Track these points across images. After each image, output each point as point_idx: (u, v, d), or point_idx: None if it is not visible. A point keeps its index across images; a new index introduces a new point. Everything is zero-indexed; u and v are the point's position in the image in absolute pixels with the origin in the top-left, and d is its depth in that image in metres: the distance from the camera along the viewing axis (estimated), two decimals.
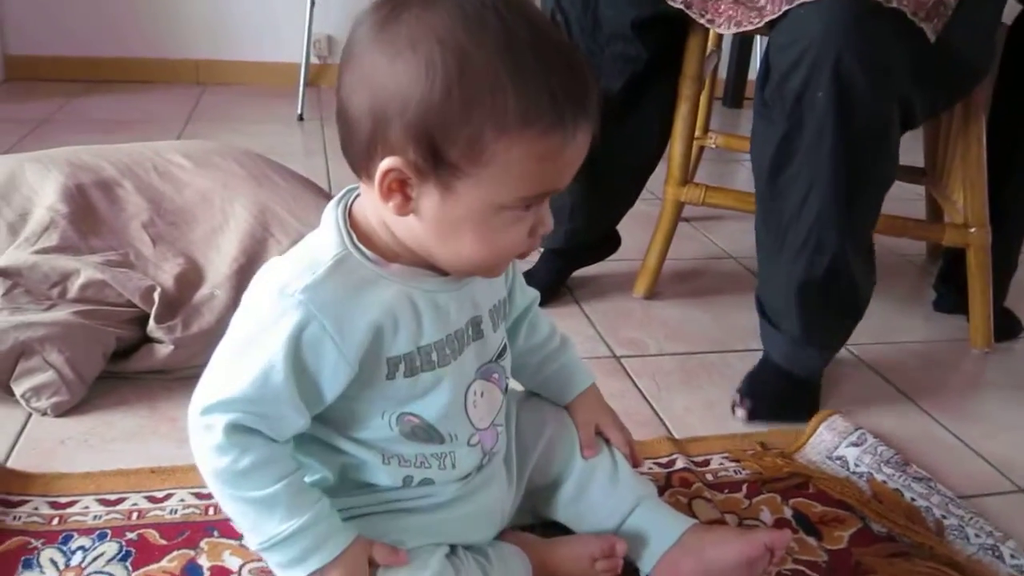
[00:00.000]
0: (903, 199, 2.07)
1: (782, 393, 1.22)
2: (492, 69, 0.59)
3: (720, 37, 1.76)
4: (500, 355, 0.80)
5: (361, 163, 0.66)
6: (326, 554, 0.68)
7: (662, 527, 0.86)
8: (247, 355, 0.66)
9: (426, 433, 0.74)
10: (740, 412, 1.19)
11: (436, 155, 0.61)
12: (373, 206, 0.69)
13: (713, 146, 1.94)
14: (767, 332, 1.26)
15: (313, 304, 0.65)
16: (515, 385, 0.94)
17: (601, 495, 0.88)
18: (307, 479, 0.74)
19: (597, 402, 0.93)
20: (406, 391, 0.72)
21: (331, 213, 0.71)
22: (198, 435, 0.68)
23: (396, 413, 0.72)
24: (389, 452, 0.74)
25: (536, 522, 0.91)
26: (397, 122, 0.61)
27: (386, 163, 0.62)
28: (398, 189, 0.64)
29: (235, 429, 0.66)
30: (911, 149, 2.03)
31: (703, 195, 1.46)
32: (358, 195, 0.72)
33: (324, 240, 0.70)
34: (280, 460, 0.69)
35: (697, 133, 1.82)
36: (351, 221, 0.70)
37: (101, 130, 2.36)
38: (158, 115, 2.61)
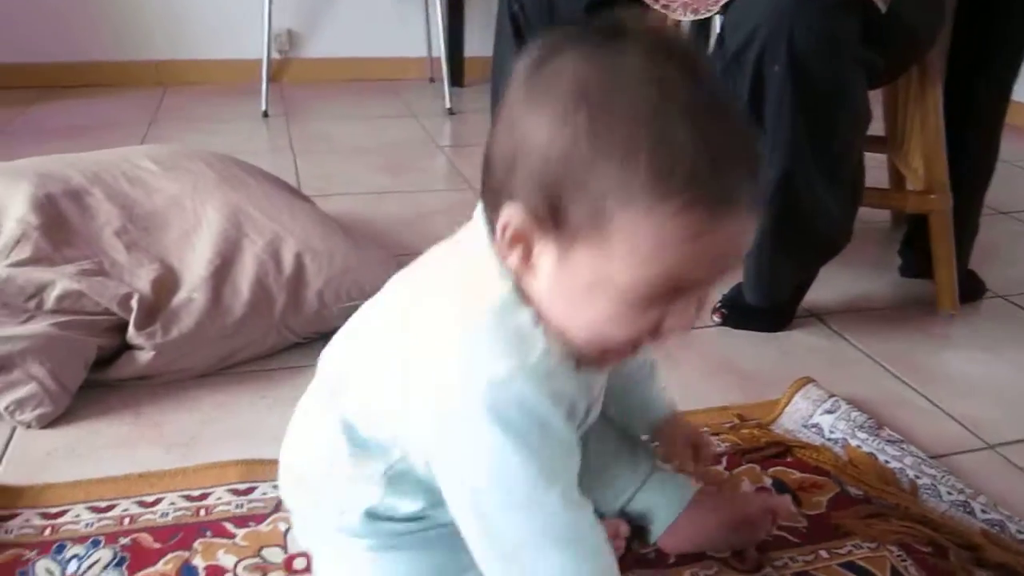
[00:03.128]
0: (866, 167, 2.12)
1: (754, 312, 1.40)
2: (629, 130, 0.52)
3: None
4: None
5: (491, 213, 0.60)
6: None
7: (668, 498, 0.89)
8: (538, 452, 0.59)
9: None
10: (716, 318, 1.42)
11: (556, 212, 0.55)
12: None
13: None
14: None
15: (532, 383, 0.58)
16: None
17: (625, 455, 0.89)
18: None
19: (679, 422, 0.91)
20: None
21: (493, 269, 0.61)
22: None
23: None
24: None
25: None
26: (523, 170, 0.56)
27: (507, 211, 0.57)
28: (521, 240, 0.58)
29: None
30: (872, 118, 2.07)
31: None
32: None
33: (521, 328, 0.60)
34: None
35: None
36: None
37: (63, 137, 2.33)
38: (120, 119, 2.59)
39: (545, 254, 0.57)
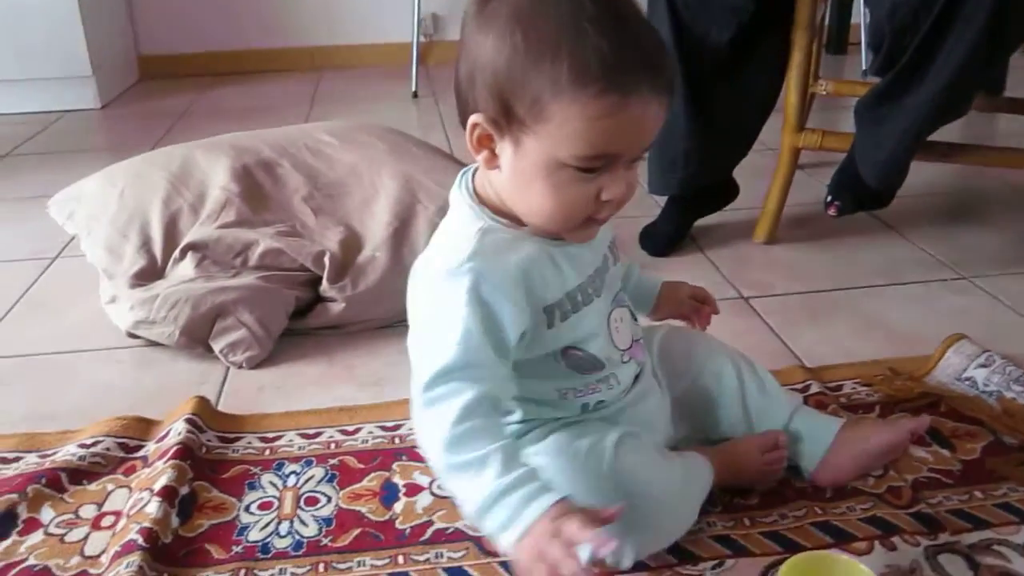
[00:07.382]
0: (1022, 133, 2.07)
1: (868, 195, 1.48)
2: (552, 38, 0.69)
3: None
4: (623, 283, 0.92)
5: (463, 126, 0.76)
6: (537, 509, 0.68)
7: (818, 430, 0.96)
8: (444, 332, 0.74)
9: (589, 363, 0.84)
10: (831, 212, 1.48)
11: (508, 112, 0.71)
12: (488, 179, 0.79)
13: (824, 93, 1.96)
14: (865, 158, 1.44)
15: (478, 268, 0.74)
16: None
17: (758, 408, 0.97)
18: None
19: (676, 283, 1.03)
20: (566, 334, 0.81)
21: (457, 195, 0.82)
22: (425, 411, 0.74)
23: (560, 349, 0.82)
24: (563, 388, 0.84)
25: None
26: (480, 84, 0.72)
27: (472, 119, 0.74)
28: (485, 144, 0.75)
29: (458, 395, 0.72)
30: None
31: (820, 140, 1.52)
32: (474, 173, 0.81)
33: (462, 220, 0.80)
34: (495, 427, 0.74)
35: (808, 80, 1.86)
36: (478, 197, 0.80)
37: (236, 118, 2.53)
38: (284, 101, 2.78)
39: (505, 150, 0.74)
